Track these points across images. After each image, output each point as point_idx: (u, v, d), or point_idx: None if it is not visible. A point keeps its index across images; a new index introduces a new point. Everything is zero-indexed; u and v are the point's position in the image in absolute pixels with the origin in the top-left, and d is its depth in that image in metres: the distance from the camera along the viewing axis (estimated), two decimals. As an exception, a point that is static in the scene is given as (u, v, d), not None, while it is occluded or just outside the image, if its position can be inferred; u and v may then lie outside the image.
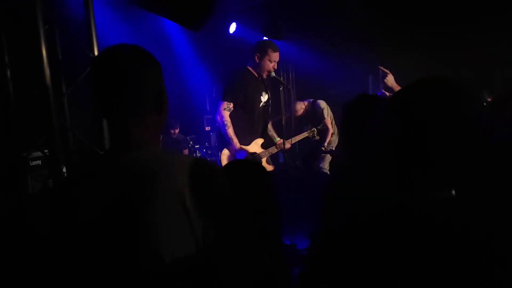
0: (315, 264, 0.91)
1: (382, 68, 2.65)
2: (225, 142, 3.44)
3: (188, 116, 6.03)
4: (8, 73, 2.21)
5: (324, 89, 5.63)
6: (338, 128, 5.06)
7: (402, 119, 0.84)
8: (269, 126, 3.79)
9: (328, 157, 5.01)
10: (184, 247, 0.94)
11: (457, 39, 4.87)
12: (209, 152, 5.71)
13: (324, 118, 4.95)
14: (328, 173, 4.97)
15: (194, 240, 0.95)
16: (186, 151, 5.58)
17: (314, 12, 5.43)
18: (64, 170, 2.42)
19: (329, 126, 4.94)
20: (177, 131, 5.57)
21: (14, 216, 2.13)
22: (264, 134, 3.66)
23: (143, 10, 3.56)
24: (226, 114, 3.38)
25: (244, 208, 1.05)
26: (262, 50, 3.41)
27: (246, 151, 3.43)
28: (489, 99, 4.09)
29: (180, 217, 0.94)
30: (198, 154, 5.73)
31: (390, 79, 2.60)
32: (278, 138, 3.70)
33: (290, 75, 6.52)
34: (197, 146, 5.70)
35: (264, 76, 3.47)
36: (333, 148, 4.99)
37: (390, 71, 2.60)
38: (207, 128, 6.06)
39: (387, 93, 2.84)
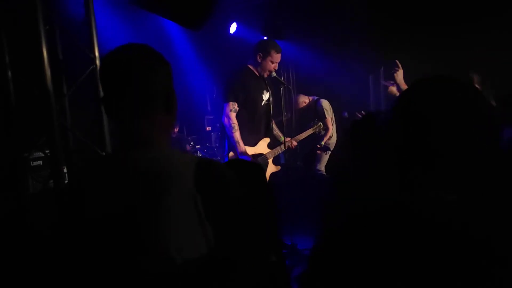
0: (316, 264, 0.91)
1: (397, 61, 2.67)
2: (232, 144, 3.41)
3: (188, 116, 6.02)
4: (9, 73, 2.21)
5: (325, 89, 5.62)
6: (341, 130, 5.04)
7: (405, 118, 0.83)
8: (273, 125, 3.79)
9: (325, 159, 4.99)
10: (194, 246, 0.94)
11: (458, 39, 4.86)
12: (210, 152, 5.70)
13: (325, 118, 4.93)
14: (325, 174, 4.95)
15: (204, 240, 0.95)
16: (188, 147, 5.57)
17: (314, 12, 5.43)
18: (65, 170, 2.42)
19: (329, 126, 4.92)
20: (176, 130, 5.57)
21: (15, 216, 2.14)
22: (268, 133, 3.64)
23: (143, 10, 3.56)
24: (233, 116, 3.34)
25: (253, 207, 1.05)
26: (265, 50, 3.41)
27: (251, 155, 3.41)
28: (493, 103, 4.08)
29: (190, 216, 0.94)
30: (199, 154, 5.72)
31: (399, 75, 2.63)
32: (284, 137, 3.69)
33: (291, 75, 6.52)
34: (198, 146, 5.70)
35: (265, 75, 3.48)
36: (330, 148, 4.96)
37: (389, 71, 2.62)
38: (208, 129, 6.06)
39: (392, 86, 2.86)
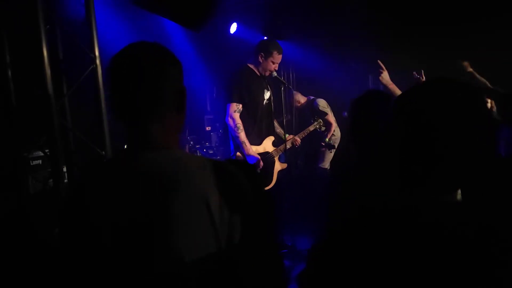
0: (316, 264, 0.91)
1: (380, 62, 2.66)
2: (238, 145, 3.40)
3: (188, 116, 6.00)
4: (9, 73, 2.21)
5: (325, 89, 5.62)
6: (339, 126, 5.03)
7: (410, 119, 0.83)
8: (276, 124, 3.80)
9: (329, 157, 4.99)
10: (206, 249, 0.92)
11: (459, 39, 4.86)
12: (210, 152, 5.70)
13: (327, 114, 4.90)
14: (329, 171, 4.95)
15: (215, 242, 0.92)
16: (187, 148, 5.56)
17: (314, 12, 5.42)
18: (65, 169, 2.43)
19: (332, 121, 4.89)
20: None
21: (16, 216, 2.14)
22: (272, 132, 3.65)
23: (144, 11, 3.57)
24: (237, 116, 3.33)
25: (262, 209, 1.03)
26: (267, 50, 3.41)
27: (257, 155, 3.40)
28: (489, 100, 4.08)
29: (203, 219, 0.92)
30: (199, 154, 5.72)
31: (384, 76, 2.62)
32: (288, 135, 3.70)
33: (291, 75, 6.52)
34: (198, 146, 5.70)
35: (266, 75, 3.48)
36: (335, 146, 4.95)
37: (390, 70, 2.61)
38: (208, 128, 6.06)
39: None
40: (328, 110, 4.96)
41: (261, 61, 3.43)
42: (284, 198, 3.94)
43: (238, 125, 3.31)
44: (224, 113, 3.40)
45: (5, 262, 2.00)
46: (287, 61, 5.93)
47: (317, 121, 4.13)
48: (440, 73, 0.87)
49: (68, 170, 2.51)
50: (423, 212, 0.82)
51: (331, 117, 4.92)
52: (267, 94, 3.54)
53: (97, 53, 2.46)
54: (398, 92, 2.64)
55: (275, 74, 3.48)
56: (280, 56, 3.45)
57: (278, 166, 3.64)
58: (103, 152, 2.47)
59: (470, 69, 4.25)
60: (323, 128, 4.29)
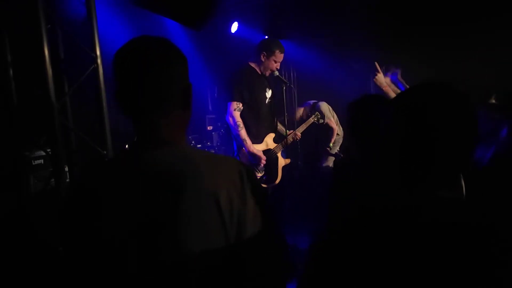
0: (317, 263, 0.91)
1: (377, 64, 2.67)
2: (239, 143, 3.39)
3: (190, 116, 6.01)
4: (11, 72, 2.22)
5: (326, 89, 5.63)
6: (343, 129, 5.05)
7: (410, 120, 0.86)
8: (277, 122, 3.80)
9: (332, 157, 5.01)
10: (215, 245, 0.91)
11: (459, 39, 4.86)
12: (212, 151, 5.71)
13: (328, 119, 4.93)
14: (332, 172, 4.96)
15: (225, 238, 0.91)
16: None
17: (315, 12, 5.42)
18: (66, 169, 2.43)
19: (334, 126, 4.92)
20: None
21: (16, 216, 2.14)
22: (273, 129, 3.65)
23: (145, 10, 3.57)
24: (237, 115, 3.32)
25: (268, 205, 1.02)
26: (270, 50, 3.40)
27: (261, 152, 3.40)
28: (494, 101, 4.06)
29: (212, 216, 0.91)
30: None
31: (379, 78, 2.64)
32: (288, 131, 3.70)
33: (292, 74, 6.52)
34: (199, 145, 5.71)
35: (267, 74, 3.48)
36: (338, 150, 4.98)
37: (390, 71, 2.62)
38: (209, 128, 6.06)
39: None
40: (329, 114, 4.97)
41: (263, 60, 3.43)
42: (286, 196, 3.94)
43: (238, 123, 3.30)
44: (225, 112, 3.40)
45: (5, 262, 2.00)
46: (288, 60, 5.92)
47: (314, 113, 4.15)
48: (440, 73, 0.89)
49: (70, 169, 2.51)
50: (423, 211, 0.82)
51: (332, 122, 4.93)
52: (268, 93, 3.54)
53: (98, 53, 2.46)
54: (392, 94, 2.66)
55: (276, 73, 3.48)
56: (282, 55, 3.45)
57: (282, 161, 3.65)
58: (105, 152, 2.48)
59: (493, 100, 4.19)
60: (321, 121, 4.30)
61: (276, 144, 3.60)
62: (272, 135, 3.61)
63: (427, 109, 0.84)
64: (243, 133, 3.31)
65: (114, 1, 3.79)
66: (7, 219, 2.12)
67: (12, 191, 2.18)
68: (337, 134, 4.96)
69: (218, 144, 5.59)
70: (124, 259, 0.91)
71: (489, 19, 4.57)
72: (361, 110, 1.75)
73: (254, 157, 3.33)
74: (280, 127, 3.81)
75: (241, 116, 3.34)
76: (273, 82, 3.61)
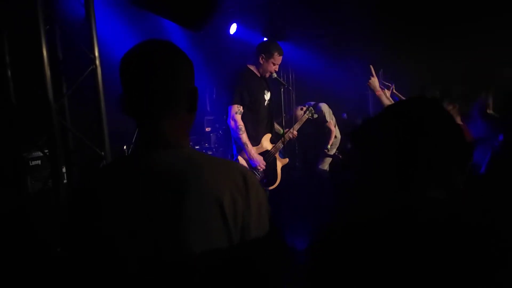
0: (316, 263, 0.91)
1: (372, 68, 2.70)
2: (240, 147, 3.38)
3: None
4: (9, 72, 2.22)
5: (325, 90, 5.63)
6: (340, 132, 5.06)
7: (406, 128, 0.91)
8: (275, 124, 3.80)
9: (328, 159, 5.01)
10: (217, 247, 0.91)
11: (458, 40, 4.87)
12: (209, 153, 5.70)
13: (327, 121, 4.94)
14: (328, 172, 4.97)
15: (227, 241, 0.92)
16: None
17: (314, 13, 5.43)
18: (64, 170, 2.42)
19: (332, 128, 4.93)
20: None
21: (15, 216, 2.13)
22: (270, 130, 3.65)
23: (144, 11, 3.57)
24: (239, 118, 3.31)
25: (269, 208, 1.02)
26: (268, 52, 3.40)
27: (261, 157, 3.40)
28: (490, 103, 4.07)
29: (216, 219, 0.91)
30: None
31: (373, 82, 2.67)
32: (284, 130, 3.69)
33: (290, 76, 6.52)
34: (197, 147, 5.70)
35: (266, 76, 3.49)
36: (337, 151, 4.98)
37: (391, 72, 2.64)
38: (207, 129, 6.06)
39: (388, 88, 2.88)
40: (328, 116, 4.97)
41: (261, 62, 3.43)
42: (285, 198, 3.93)
43: (240, 126, 3.30)
44: (226, 115, 3.40)
45: (5, 262, 1.99)
46: (287, 62, 5.92)
47: (308, 109, 4.12)
48: (441, 73, 0.93)
49: (67, 170, 2.51)
50: (422, 212, 0.82)
51: (331, 124, 4.93)
52: (267, 95, 3.55)
53: (96, 54, 2.46)
54: (384, 99, 2.69)
55: (275, 75, 3.48)
56: (281, 57, 3.45)
57: (279, 162, 3.65)
58: (102, 152, 2.47)
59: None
60: (315, 116, 4.27)
61: (272, 145, 3.60)
62: (268, 135, 3.61)
63: (422, 120, 0.92)
64: (244, 136, 3.30)
65: (113, 2, 3.79)
66: (6, 219, 2.12)
67: (11, 192, 2.18)
68: (335, 136, 4.95)
69: (216, 145, 5.58)
70: (124, 259, 0.91)
71: (489, 19, 4.58)
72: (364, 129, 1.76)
73: (254, 161, 3.34)
74: (276, 126, 3.81)
75: (242, 118, 3.34)
76: (272, 84, 3.61)
